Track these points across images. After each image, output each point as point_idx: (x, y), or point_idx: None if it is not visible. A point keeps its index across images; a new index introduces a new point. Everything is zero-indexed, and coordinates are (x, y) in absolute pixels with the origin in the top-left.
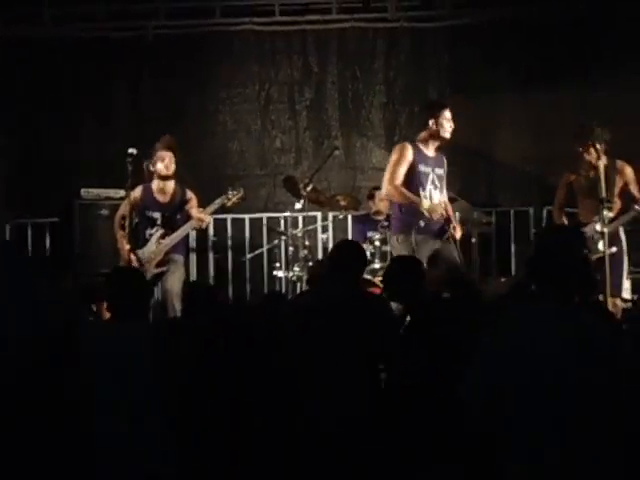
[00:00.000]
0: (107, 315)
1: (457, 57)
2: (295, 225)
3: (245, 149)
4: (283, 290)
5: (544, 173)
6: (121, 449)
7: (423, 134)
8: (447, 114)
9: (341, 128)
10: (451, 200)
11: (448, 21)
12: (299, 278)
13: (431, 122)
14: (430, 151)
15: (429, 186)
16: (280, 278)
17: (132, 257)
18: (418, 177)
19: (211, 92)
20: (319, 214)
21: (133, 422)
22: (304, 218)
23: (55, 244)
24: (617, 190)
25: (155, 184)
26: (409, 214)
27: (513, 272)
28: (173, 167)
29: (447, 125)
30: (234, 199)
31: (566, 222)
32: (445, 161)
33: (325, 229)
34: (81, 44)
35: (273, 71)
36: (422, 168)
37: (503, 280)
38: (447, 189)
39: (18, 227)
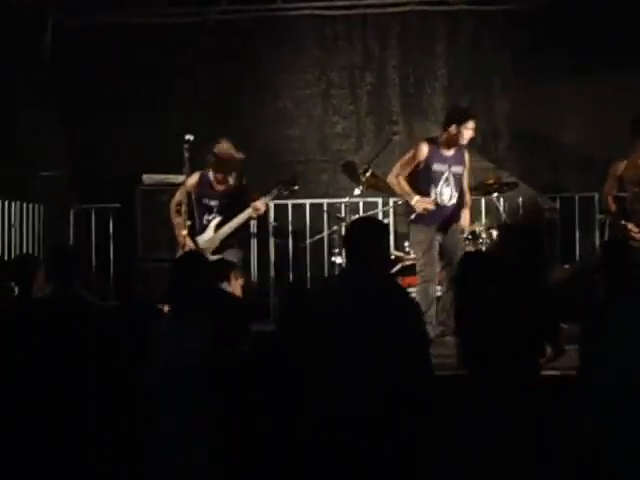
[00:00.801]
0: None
1: (519, 41)
2: (356, 211)
3: (306, 135)
4: None
5: (609, 158)
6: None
7: (444, 135)
8: (471, 124)
9: (402, 113)
10: (513, 185)
11: (510, 4)
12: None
13: (453, 128)
14: (449, 151)
15: (441, 183)
16: (339, 264)
17: (189, 243)
18: (431, 175)
19: (271, 77)
20: (380, 200)
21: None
22: (364, 204)
23: (117, 230)
24: None
25: (212, 173)
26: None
27: (577, 258)
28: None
29: (467, 134)
30: (287, 191)
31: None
32: (467, 157)
33: (386, 214)
34: (141, 30)
35: (333, 56)
36: (437, 167)
37: (567, 267)
38: (511, 174)
39: (81, 213)
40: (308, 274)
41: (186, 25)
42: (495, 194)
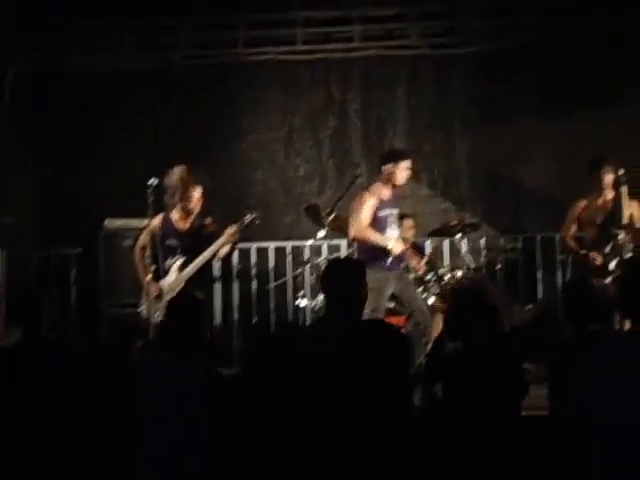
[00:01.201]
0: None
1: (479, 82)
2: (319, 253)
3: (269, 178)
4: (307, 319)
5: (570, 198)
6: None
7: (382, 177)
8: (406, 165)
9: (364, 156)
10: (475, 226)
11: (471, 48)
12: (322, 307)
13: (388, 169)
14: (390, 194)
15: (393, 226)
16: (304, 307)
17: (154, 288)
18: (383, 220)
19: (235, 121)
20: (344, 242)
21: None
22: (328, 246)
23: (80, 275)
24: (624, 221)
25: (174, 213)
26: (375, 252)
27: (539, 299)
28: (199, 204)
29: (403, 174)
30: (250, 220)
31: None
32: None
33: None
34: (105, 75)
35: (296, 100)
36: (386, 212)
37: (529, 307)
38: (472, 214)
39: (43, 258)
40: (272, 318)
41: (150, 70)
42: (458, 235)
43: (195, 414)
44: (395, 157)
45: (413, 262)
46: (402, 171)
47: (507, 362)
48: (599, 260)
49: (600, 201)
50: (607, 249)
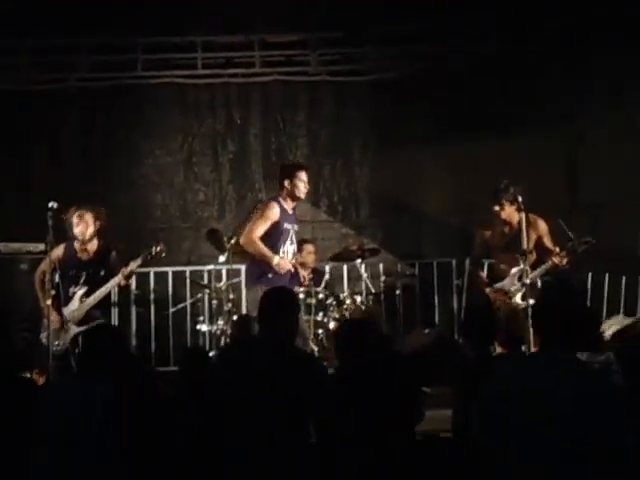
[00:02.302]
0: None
1: (379, 110)
2: (219, 278)
3: (168, 202)
4: (206, 344)
5: (466, 224)
6: None
7: (283, 193)
8: (302, 176)
9: (264, 180)
10: (374, 251)
11: (369, 75)
12: (223, 332)
13: (286, 183)
14: (291, 208)
15: (288, 242)
16: (204, 332)
17: (54, 315)
18: (281, 234)
19: (133, 144)
20: (243, 267)
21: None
22: (228, 271)
23: None
24: (532, 243)
25: (77, 242)
26: (260, 266)
27: (437, 323)
28: (90, 231)
29: (301, 186)
30: (156, 255)
31: (485, 276)
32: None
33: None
34: (2, 96)
35: (196, 124)
36: (286, 226)
37: (427, 331)
38: (371, 240)
39: None
40: (171, 343)
41: (48, 91)
42: (358, 260)
43: (101, 439)
44: (291, 169)
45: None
46: (300, 182)
47: (399, 387)
48: (494, 297)
49: (506, 229)
50: (515, 278)
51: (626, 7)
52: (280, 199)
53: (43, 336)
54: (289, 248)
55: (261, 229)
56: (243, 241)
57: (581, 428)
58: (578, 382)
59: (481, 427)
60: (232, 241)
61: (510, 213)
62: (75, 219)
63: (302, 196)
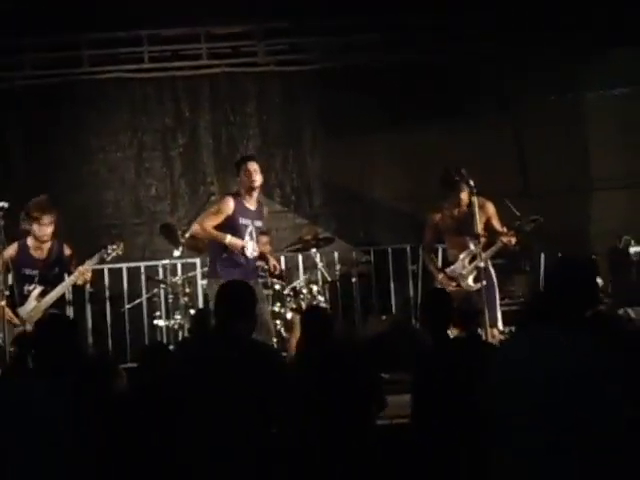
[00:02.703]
0: None
1: (328, 100)
2: (174, 273)
3: (120, 198)
4: (164, 339)
5: (418, 210)
6: None
7: (240, 187)
8: (252, 166)
9: (216, 173)
10: (328, 240)
11: (317, 64)
12: (181, 326)
13: (240, 176)
14: (251, 204)
15: (247, 237)
16: (161, 327)
17: (10, 315)
18: (237, 229)
19: (82, 141)
20: (198, 260)
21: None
22: (183, 265)
23: None
24: (481, 226)
25: (31, 241)
26: (218, 253)
27: (394, 309)
28: (50, 230)
29: (253, 174)
30: (113, 253)
31: (436, 260)
32: (265, 212)
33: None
34: None
35: (145, 118)
36: (242, 220)
37: (384, 318)
38: (325, 229)
39: None
40: (128, 339)
41: None
42: (313, 250)
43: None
44: (240, 162)
45: (269, 264)
46: (251, 171)
47: (365, 376)
48: (446, 283)
49: (455, 212)
50: (465, 262)
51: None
52: (238, 195)
53: None
54: (249, 243)
55: (213, 221)
56: (194, 229)
57: (584, 399)
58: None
59: (488, 397)
60: (186, 235)
61: (463, 200)
62: (46, 219)
63: (256, 185)
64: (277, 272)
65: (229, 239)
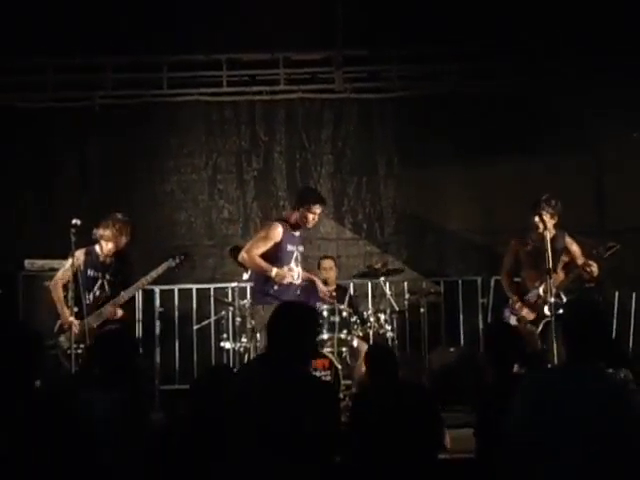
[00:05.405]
0: None
1: (404, 128)
2: (243, 296)
3: (193, 219)
4: (230, 361)
5: (490, 243)
6: None
7: (294, 216)
8: (317, 209)
9: (289, 198)
10: (399, 270)
11: (395, 93)
12: (246, 349)
13: (300, 209)
14: (297, 231)
15: (293, 264)
16: (227, 349)
17: (74, 323)
18: (285, 255)
19: (159, 162)
20: None
21: None
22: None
23: None
24: (561, 264)
25: (98, 247)
26: (261, 282)
27: (462, 342)
28: (112, 246)
29: (311, 218)
30: (178, 261)
31: (514, 289)
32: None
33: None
34: (27, 114)
35: (221, 141)
36: (289, 247)
37: (452, 350)
38: (395, 257)
39: None
40: (195, 360)
41: (74, 110)
42: (382, 278)
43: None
44: (309, 200)
45: (321, 293)
46: (312, 215)
47: (427, 416)
48: (523, 312)
49: (538, 244)
50: (540, 291)
51: None
52: (286, 221)
53: (63, 339)
54: (294, 271)
55: (261, 248)
56: (241, 257)
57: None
58: (606, 392)
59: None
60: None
61: (542, 227)
62: (115, 231)
63: (309, 227)
64: (328, 299)
65: (275, 272)
